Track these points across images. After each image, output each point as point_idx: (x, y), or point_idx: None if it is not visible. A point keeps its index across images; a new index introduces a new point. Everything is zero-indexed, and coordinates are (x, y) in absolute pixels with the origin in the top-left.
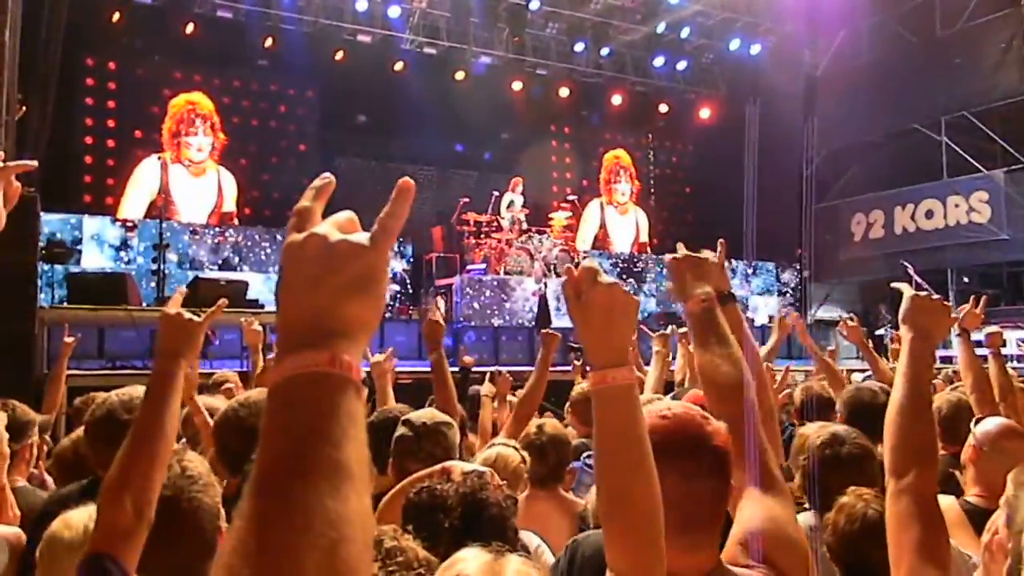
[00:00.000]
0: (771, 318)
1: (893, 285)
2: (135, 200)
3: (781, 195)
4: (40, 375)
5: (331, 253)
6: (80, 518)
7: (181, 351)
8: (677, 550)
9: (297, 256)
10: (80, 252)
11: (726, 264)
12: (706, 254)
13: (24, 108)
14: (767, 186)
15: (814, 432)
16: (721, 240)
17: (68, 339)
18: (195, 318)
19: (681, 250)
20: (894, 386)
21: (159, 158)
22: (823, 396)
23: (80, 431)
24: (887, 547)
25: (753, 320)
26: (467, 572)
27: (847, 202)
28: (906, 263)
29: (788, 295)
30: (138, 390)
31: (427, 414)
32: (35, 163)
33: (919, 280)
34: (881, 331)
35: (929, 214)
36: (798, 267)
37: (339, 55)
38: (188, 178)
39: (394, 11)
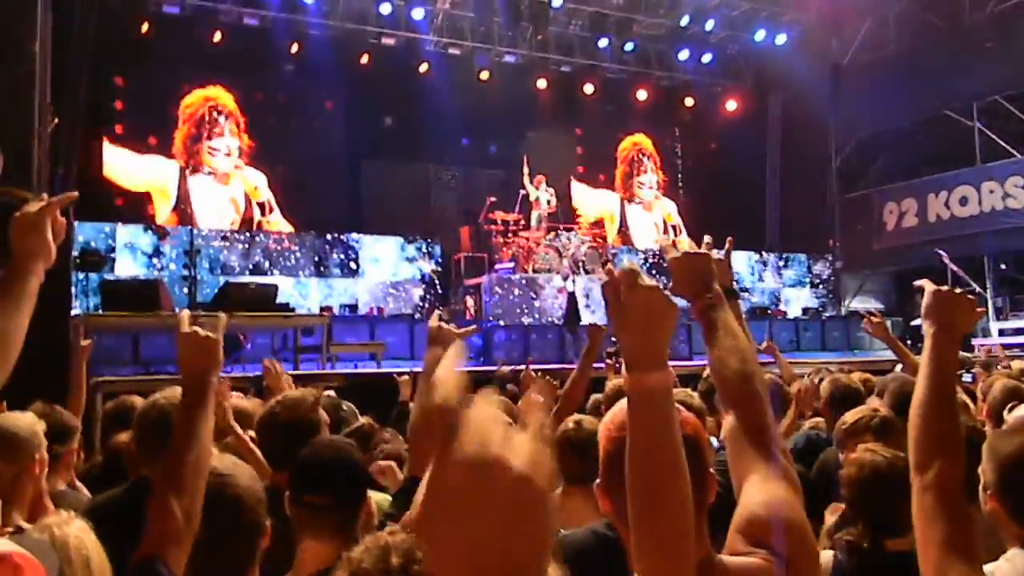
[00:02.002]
0: (805, 310)
1: (916, 283)
2: (159, 209)
3: (811, 186)
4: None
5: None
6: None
7: (208, 368)
8: None
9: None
10: (114, 260)
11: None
12: (712, 251)
13: (56, 119)
14: (796, 177)
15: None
16: (730, 238)
17: (84, 342)
18: (211, 334)
19: (681, 248)
20: (917, 380)
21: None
22: (851, 387)
23: (121, 437)
24: (897, 492)
25: (786, 313)
26: None
27: (879, 191)
28: (941, 251)
29: (820, 287)
30: (176, 393)
31: None
32: (76, 194)
33: (954, 268)
34: (918, 321)
35: (963, 201)
36: (830, 258)
37: (364, 58)
38: (212, 186)
39: (418, 13)
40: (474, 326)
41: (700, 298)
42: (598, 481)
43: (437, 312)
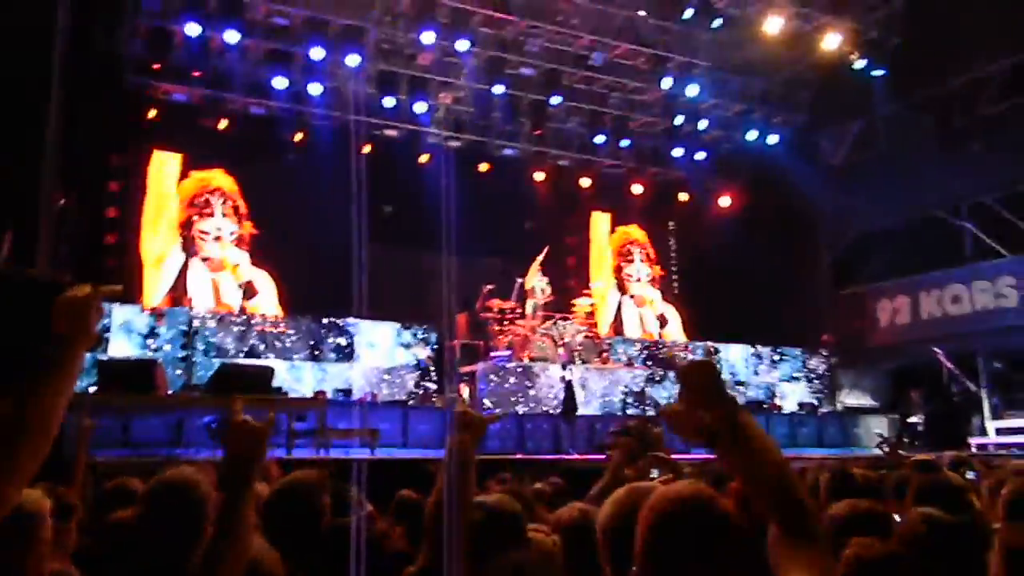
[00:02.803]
0: (801, 405)
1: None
2: (155, 289)
3: (805, 281)
4: (69, 460)
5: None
6: None
7: (255, 455)
8: None
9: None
10: (107, 340)
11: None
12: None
13: (64, 200)
14: (790, 272)
15: None
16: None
17: (87, 423)
18: (260, 424)
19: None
20: None
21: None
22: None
23: (120, 514)
24: None
25: (782, 407)
26: None
27: (872, 288)
28: (936, 349)
29: (816, 382)
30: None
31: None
32: (120, 287)
33: (949, 366)
34: (914, 419)
35: (955, 299)
36: (825, 353)
37: (367, 148)
38: (206, 274)
39: (420, 107)
40: (498, 411)
41: (719, 406)
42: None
43: (463, 397)
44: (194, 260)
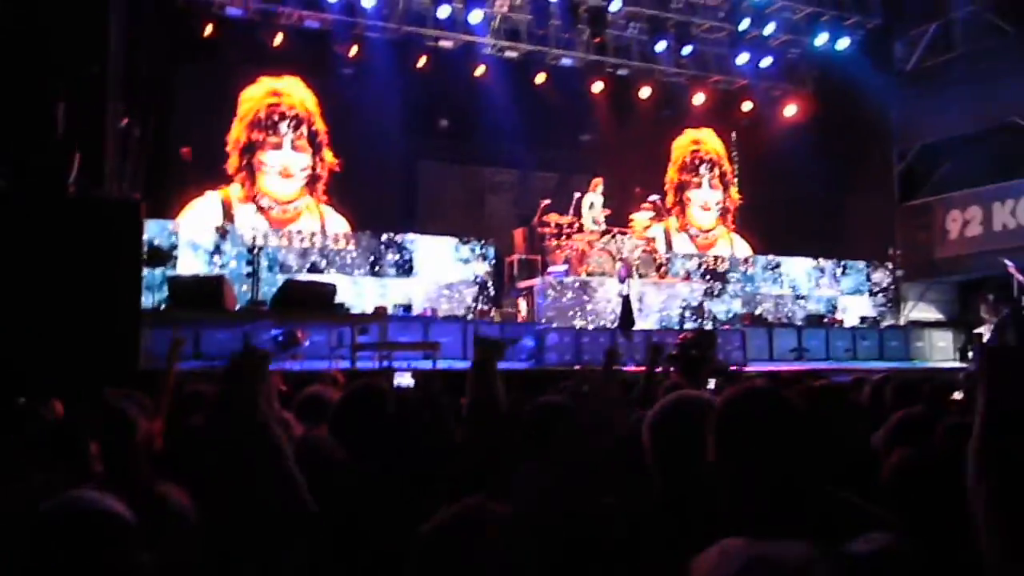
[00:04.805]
0: (863, 319)
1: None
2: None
3: (872, 193)
4: (144, 373)
5: None
6: None
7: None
8: None
9: None
10: (176, 257)
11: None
12: None
13: (127, 119)
14: (857, 183)
15: None
16: None
17: (180, 338)
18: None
19: None
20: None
21: (222, 197)
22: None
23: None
24: None
25: (843, 321)
26: None
27: (941, 199)
28: (1006, 260)
29: (880, 295)
30: None
31: None
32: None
33: (1020, 278)
34: (980, 329)
35: None
36: (890, 267)
37: (422, 61)
38: (267, 228)
39: (475, 16)
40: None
41: None
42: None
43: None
44: (246, 207)
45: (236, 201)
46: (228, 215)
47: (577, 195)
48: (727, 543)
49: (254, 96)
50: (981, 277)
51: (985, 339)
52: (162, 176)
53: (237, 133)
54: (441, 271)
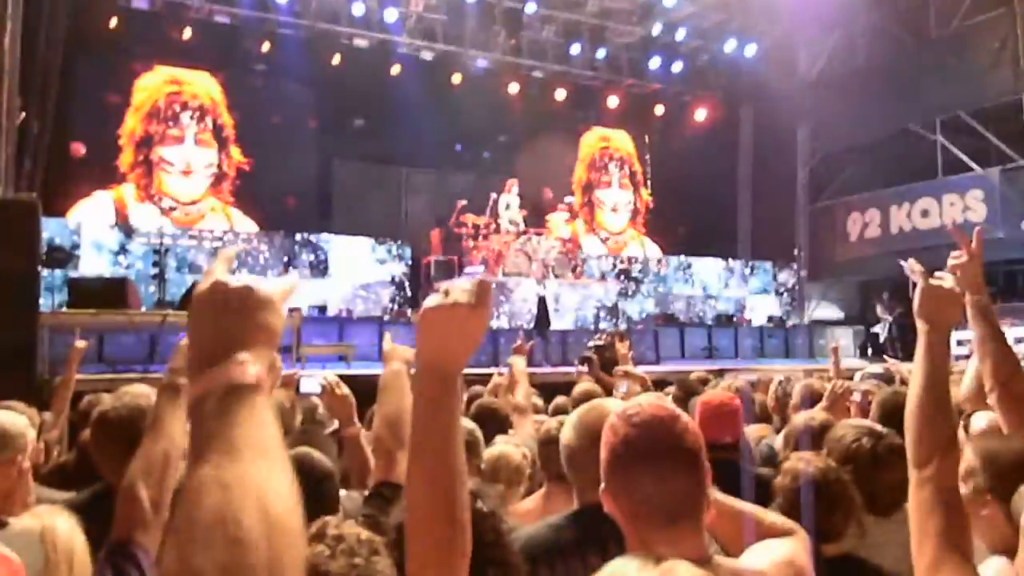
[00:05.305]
0: (770, 318)
1: (904, 263)
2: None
3: (778, 196)
4: (41, 380)
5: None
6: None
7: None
8: (663, 543)
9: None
10: (78, 257)
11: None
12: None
13: (24, 114)
14: (764, 187)
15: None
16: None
17: (80, 343)
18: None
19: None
20: (912, 379)
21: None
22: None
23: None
24: (830, 499)
25: (751, 320)
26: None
27: (843, 202)
28: (902, 261)
29: (785, 295)
30: (139, 391)
31: None
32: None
33: (915, 280)
34: (877, 329)
35: (925, 213)
36: (795, 267)
37: (336, 59)
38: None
39: (391, 15)
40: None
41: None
42: (603, 486)
43: (388, 334)
44: (143, 207)
45: (132, 201)
46: (122, 217)
47: (493, 196)
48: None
49: (151, 85)
50: (880, 278)
51: (882, 338)
52: (63, 173)
53: (132, 125)
54: (357, 272)
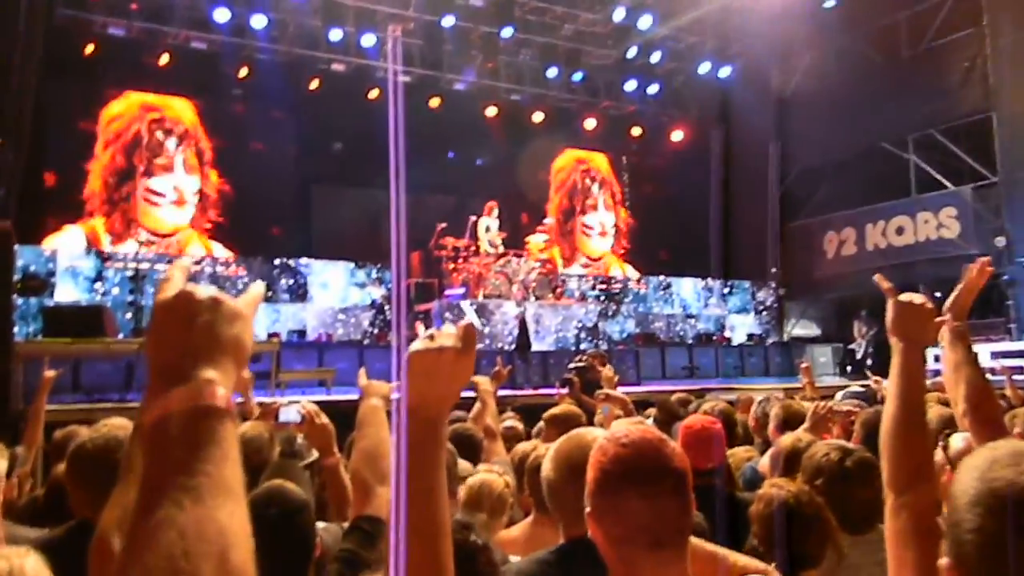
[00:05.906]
0: (749, 336)
1: (876, 278)
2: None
3: (754, 214)
4: (16, 410)
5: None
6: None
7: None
8: (649, 568)
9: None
10: (54, 284)
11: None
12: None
13: (2, 141)
14: (740, 206)
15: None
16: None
17: (49, 372)
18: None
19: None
20: (887, 399)
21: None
22: (801, 412)
23: (60, 469)
24: (805, 525)
25: (731, 339)
26: None
27: (819, 220)
28: (876, 278)
29: (764, 313)
30: (118, 424)
31: None
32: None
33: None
34: (853, 346)
35: (900, 230)
36: (773, 285)
37: (314, 84)
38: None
39: (368, 40)
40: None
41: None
42: (588, 509)
43: (363, 370)
44: (120, 247)
45: (105, 236)
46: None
47: (473, 218)
48: None
49: (124, 114)
50: (857, 295)
51: (859, 355)
52: (38, 200)
53: (106, 159)
54: (336, 295)
